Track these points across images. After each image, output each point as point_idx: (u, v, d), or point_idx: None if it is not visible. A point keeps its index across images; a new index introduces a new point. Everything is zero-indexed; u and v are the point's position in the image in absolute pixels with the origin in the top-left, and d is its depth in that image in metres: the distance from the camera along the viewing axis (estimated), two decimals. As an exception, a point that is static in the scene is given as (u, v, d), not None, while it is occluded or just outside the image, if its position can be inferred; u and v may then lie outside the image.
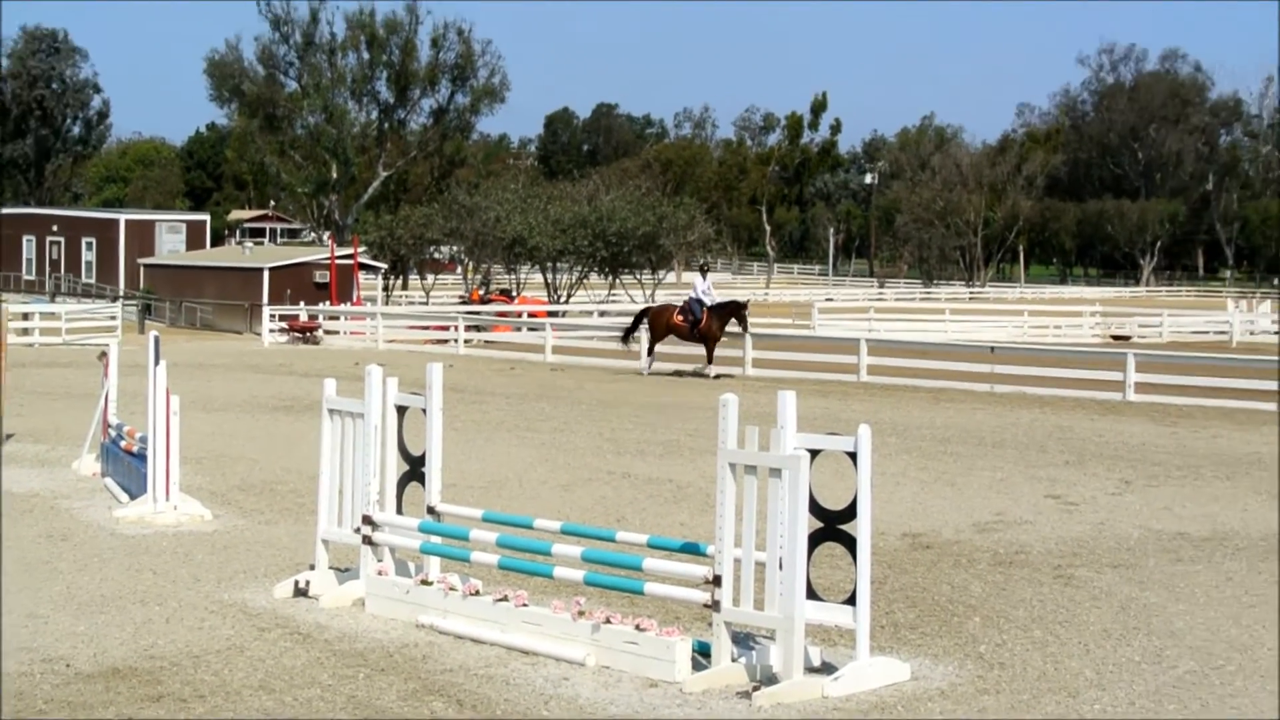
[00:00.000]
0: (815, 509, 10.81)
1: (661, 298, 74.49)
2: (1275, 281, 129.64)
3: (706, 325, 40.37)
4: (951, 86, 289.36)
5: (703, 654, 11.05)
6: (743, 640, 11.21)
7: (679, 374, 41.25)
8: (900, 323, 67.03)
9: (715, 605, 10.89)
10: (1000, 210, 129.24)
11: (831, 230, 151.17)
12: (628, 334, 42.91)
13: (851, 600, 10.78)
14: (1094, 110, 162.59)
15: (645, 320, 42.55)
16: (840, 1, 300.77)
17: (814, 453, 10.86)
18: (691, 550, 11.61)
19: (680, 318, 40.93)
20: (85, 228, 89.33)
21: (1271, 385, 33.01)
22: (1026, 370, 37.38)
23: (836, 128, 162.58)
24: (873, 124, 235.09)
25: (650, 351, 41.79)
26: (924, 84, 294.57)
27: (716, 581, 10.87)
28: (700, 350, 41.24)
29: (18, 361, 34.13)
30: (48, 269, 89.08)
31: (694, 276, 43.98)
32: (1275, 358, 35.90)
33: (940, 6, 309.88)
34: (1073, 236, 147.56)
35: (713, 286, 42.63)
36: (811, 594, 10.78)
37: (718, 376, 39.67)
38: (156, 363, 17.39)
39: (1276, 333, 59.80)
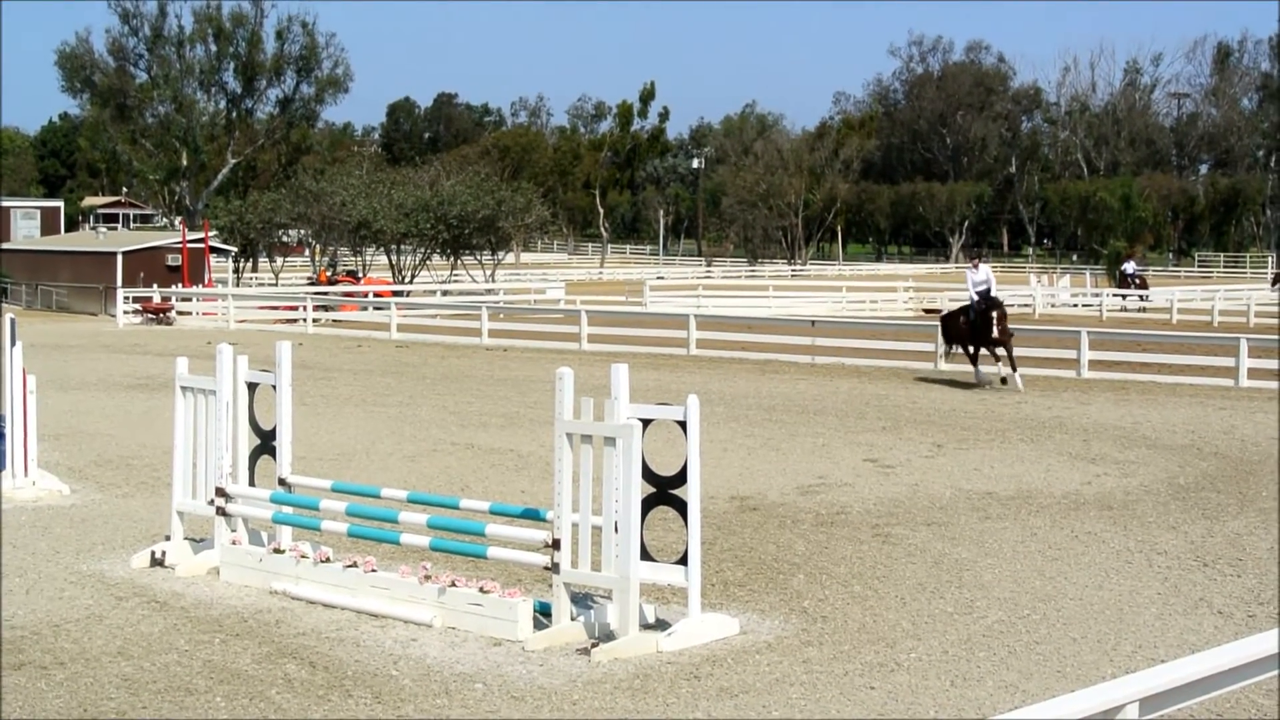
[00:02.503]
0: (648, 475, 10.86)
1: (501, 277, 74.40)
2: (1074, 258, 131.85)
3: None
4: (771, 76, 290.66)
5: (544, 614, 11.07)
6: (581, 600, 11.26)
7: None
8: (727, 299, 67.26)
9: (555, 567, 10.91)
10: (819, 192, 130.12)
11: (661, 212, 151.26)
12: (948, 352, 33.58)
13: (683, 560, 10.85)
14: (905, 98, 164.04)
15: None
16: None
17: (646, 422, 10.91)
18: (532, 516, 11.63)
19: (963, 319, 31.55)
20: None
21: (1070, 354, 33.59)
22: (845, 343, 37.72)
23: (665, 115, 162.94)
24: (699, 112, 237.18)
25: (974, 360, 31.24)
26: (746, 74, 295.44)
27: (556, 545, 10.89)
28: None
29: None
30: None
31: (966, 270, 32.87)
32: (1077, 329, 36.51)
33: (758, 3, 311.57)
34: (887, 217, 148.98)
35: (993, 276, 31.99)
36: (645, 555, 10.84)
37: (1003, 381, 30.33)
38: (13, 344, 17.07)
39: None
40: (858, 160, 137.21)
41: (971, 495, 17.38)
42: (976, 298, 30.48)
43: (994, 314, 30.22)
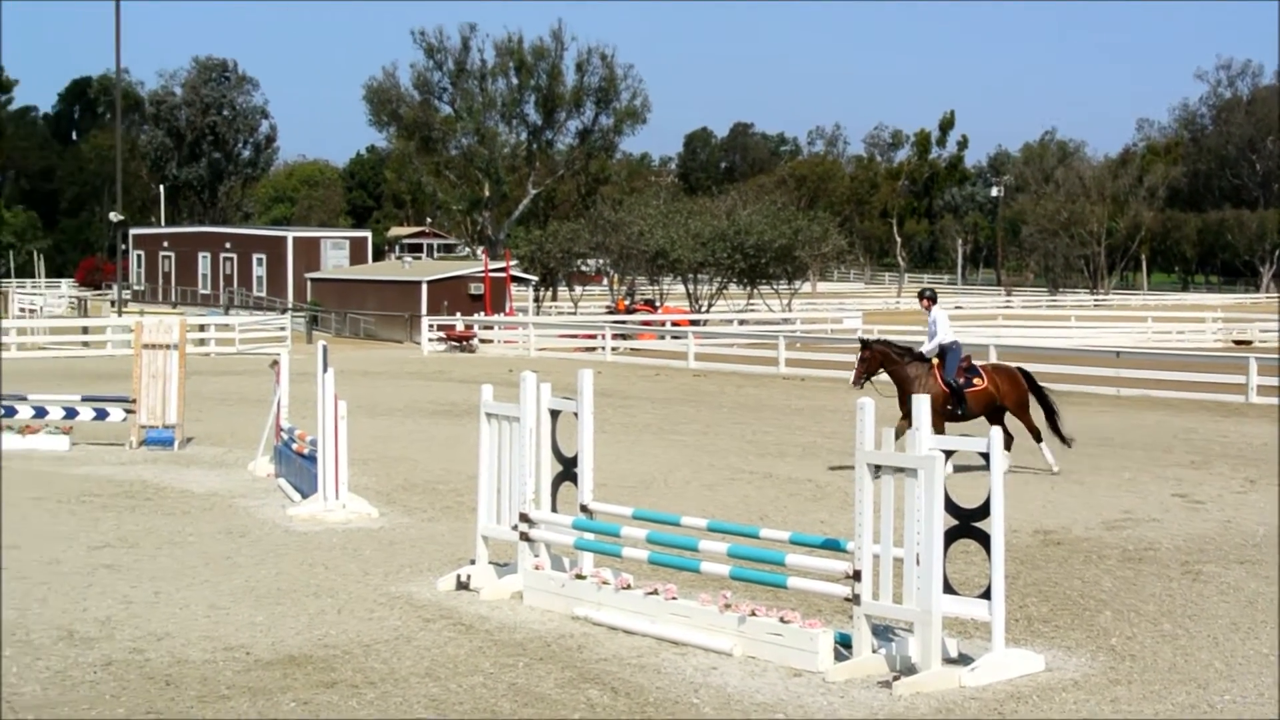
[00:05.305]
0: (950, 507, 10.75)
1: (797, 307, 74.38)
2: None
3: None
4: (1071, 103, 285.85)
5: (844, 645, 11.02)
6: (882, 632, 11.16)
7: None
8: (1027, 329, 66.31)
9: (856, 599, 10.85)
10: (1122, 220, 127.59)
11: (959, 241, 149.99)
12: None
13: (986, 594, 10.70)
14: (1212, 123, 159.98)
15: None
16: (964, 21, 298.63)
17: (948, 453, 10.80)
18: (832, 546, 11.58)
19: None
20: (256, 245, 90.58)
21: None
22: (1151, 374, 36.90)
23: (963, 144, 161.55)
24: (997, 139, 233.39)
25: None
26: (1045, 101, 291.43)
27: (856, 576, 10.83)
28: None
29: (195, 370, 34.68)
30: (221, 283, 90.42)
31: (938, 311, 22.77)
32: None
33: (1061, 29, 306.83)
34: (1193, 245, 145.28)
35: (946, 322, 22.69)
36: (947, 588, 10.72)
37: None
38: (325, 370, 17.59)
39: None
40: (1163, 187, 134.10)
41: (1286, 533, 16.80)
42: (935, 349, 22.41)
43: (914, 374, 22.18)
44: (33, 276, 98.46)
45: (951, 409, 22.20)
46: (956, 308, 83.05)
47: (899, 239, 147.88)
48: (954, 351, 22.43)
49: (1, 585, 13.34)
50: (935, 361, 22.33)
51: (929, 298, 23.15)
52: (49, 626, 11.99)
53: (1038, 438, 22.42)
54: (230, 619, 12.28)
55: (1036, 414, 22.74)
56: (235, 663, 10.99)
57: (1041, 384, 23.48)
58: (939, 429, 20.65)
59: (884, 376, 22.37)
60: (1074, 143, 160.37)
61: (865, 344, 22.96)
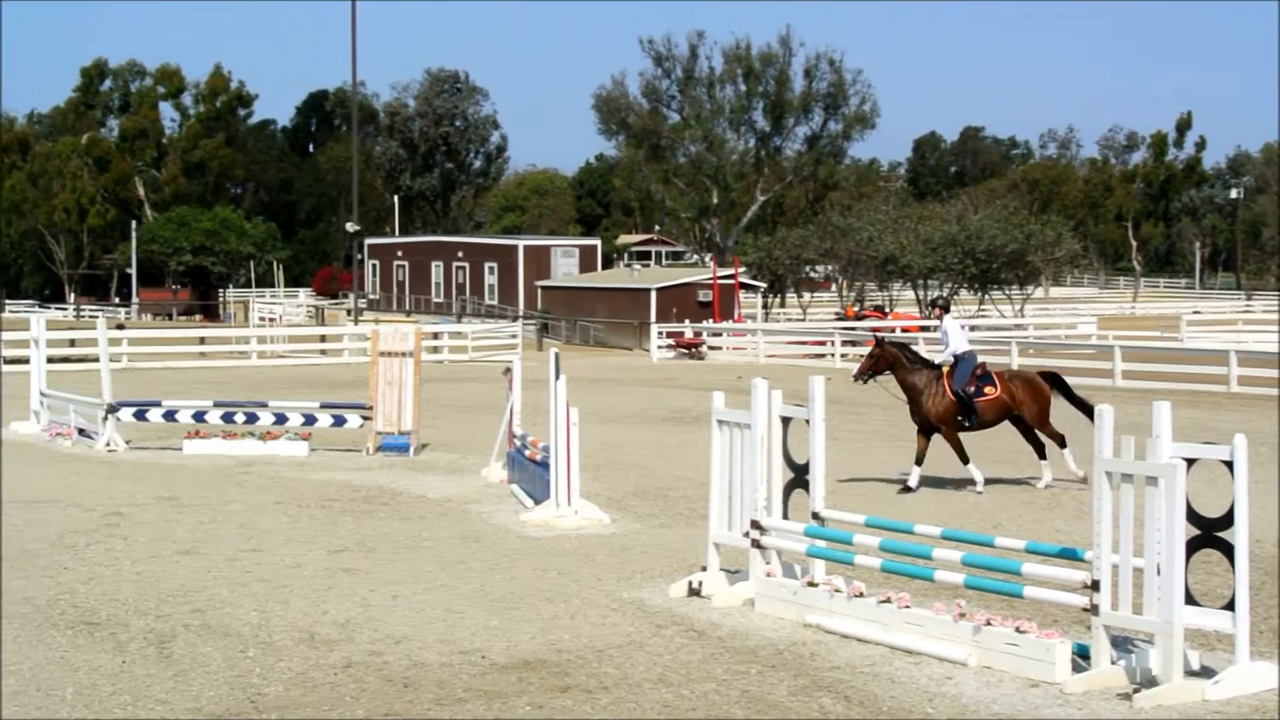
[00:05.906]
0: (1191, 516, 10.52)
1: (1029, 312, 73.37)
2: None
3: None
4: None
5: (1081, 656, 10.85)
6: (1120, 643, 10.97)
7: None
8: (1269, 334, 64.61)
9: (1094, 609, 10.68)
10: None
11: (1197, 245, 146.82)
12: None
13: (1230, 606, 10.47)
14: None
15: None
16: (1200, 20, 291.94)
17: (1190, 461, 10.58)
18: (1069, 556, 11.43)
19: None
20: (487, 253, 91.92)
21: None
22: (1400, 380, 35.71)
23: (1201, 145, 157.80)
24: (1236, 140, 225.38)
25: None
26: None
27: (1095, 586, 10.65)
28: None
29: (429, 377, 35.26)
30: (454, 292, 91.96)
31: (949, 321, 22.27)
32: None
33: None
34: None
35: (958, 331, 22.04)
36: (1189, 599, 10.50)
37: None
38: (557, 377, 17.77)
39: None
40: None
41: None
42: (952, 360, 21.50)
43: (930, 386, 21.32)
44: (272, 286, 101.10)
45: (961, 419, 21.48)
46: (1194, 312, 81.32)
47: (1134, 243, 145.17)
48: (966, 361, 21.58)
49: (1, 583, 13.88)
50: (945, 370, 21.51)
51: (941, 306, 23.51)
52: (291, 629, 12.29)
53: (1061, 444, 21.37)
54: (466, 623, 12.46)
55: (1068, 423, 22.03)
56: (471, 666, 11.15)
57: (1076, 391, 22.41)
58: (951, 440, 21.11)
59: (892, 381, 21.79)
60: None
61: (879, 341, 22.16)
